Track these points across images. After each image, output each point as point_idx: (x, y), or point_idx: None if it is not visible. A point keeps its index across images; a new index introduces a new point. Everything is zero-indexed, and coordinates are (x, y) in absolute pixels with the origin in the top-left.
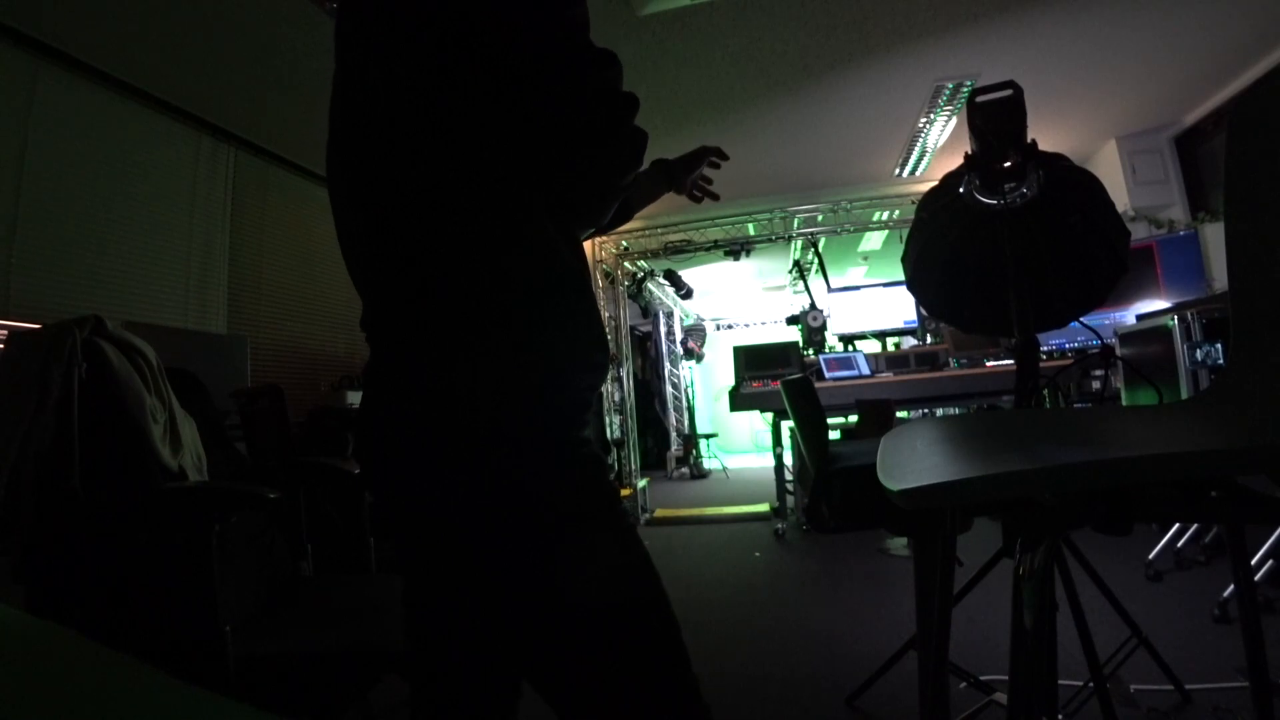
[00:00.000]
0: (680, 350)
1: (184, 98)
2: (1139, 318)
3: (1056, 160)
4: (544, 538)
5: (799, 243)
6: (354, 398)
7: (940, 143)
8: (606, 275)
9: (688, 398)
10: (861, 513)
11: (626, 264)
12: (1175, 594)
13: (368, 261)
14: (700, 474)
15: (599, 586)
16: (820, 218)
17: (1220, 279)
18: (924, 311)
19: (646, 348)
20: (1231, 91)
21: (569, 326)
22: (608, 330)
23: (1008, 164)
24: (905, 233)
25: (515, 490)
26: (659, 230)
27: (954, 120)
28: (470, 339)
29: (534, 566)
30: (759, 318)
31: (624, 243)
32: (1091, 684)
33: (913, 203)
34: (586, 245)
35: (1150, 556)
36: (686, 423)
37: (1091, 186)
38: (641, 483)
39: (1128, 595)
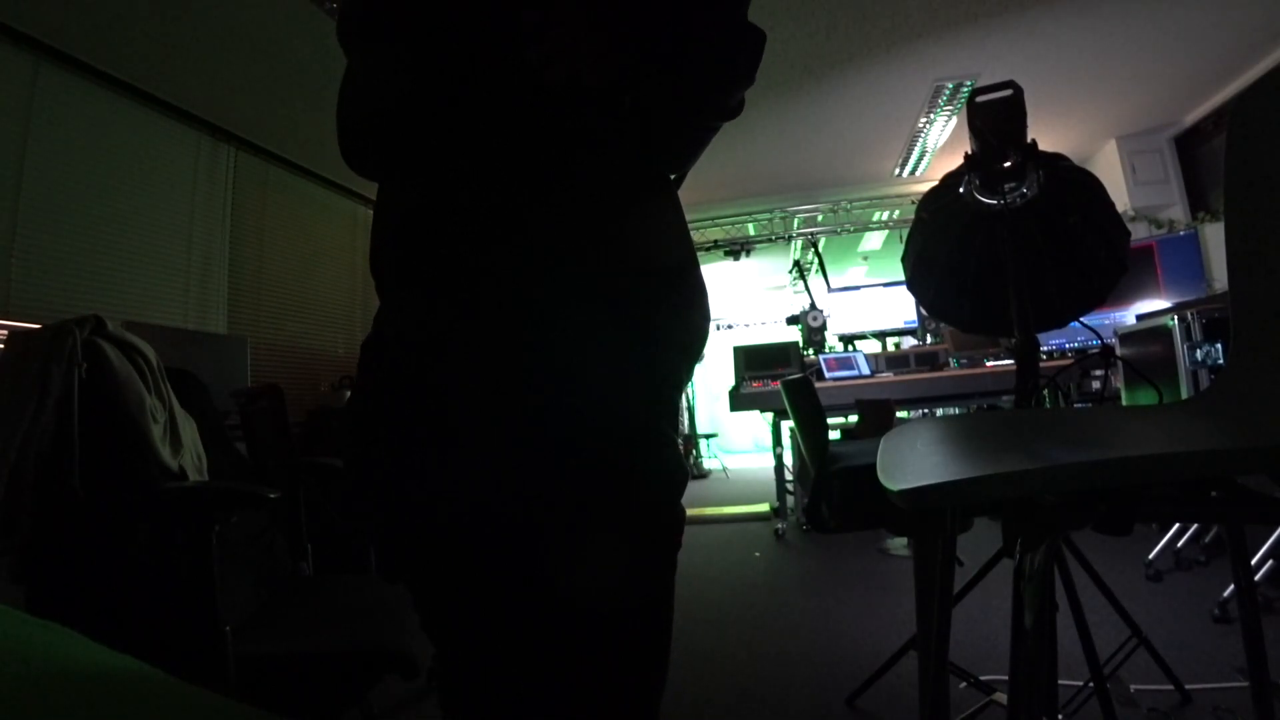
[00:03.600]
0: None
1: (184, 98)
2: (1139, 318)
3: (1056, 160)
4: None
5: (799, 243)
6: None
7: (940, 143)
8: None
9: (688, 398)
10: (861, 513)
11: None
12: (1175, 594)
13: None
14: (700, 474)
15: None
16: (820, 218)
17: (1220, 279)
18: (924, 311)
19: None
20: (1231, 91)
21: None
22: None
23: (1008, 164)
24: (905, 233)
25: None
26: None
27: (954, 120)
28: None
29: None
30: (759, 318)
31: None
32: (1091, 684)
33: (913, 203)
34: None
35: (1150, 556)
36: (686, 423)
37: (1091, 186)
38: None
39: (1128, 595)
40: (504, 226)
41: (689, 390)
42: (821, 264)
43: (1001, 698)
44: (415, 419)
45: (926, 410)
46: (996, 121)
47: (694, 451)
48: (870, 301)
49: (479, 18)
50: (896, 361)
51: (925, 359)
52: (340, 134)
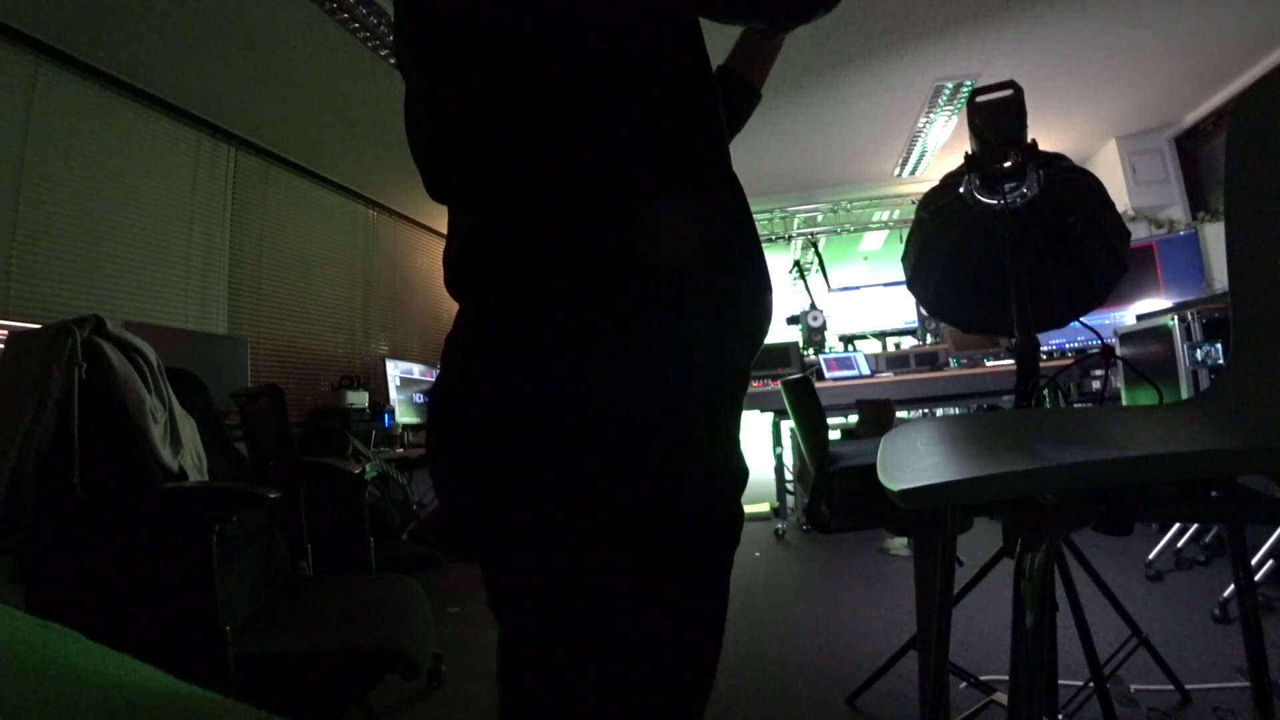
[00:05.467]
0: None
1: (184, 98)
2: (1139, 318)
3: (1056, 160)
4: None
5: (799, 243)
6: (354, 398)
7: (940, 143)
8: None
9: None
10: (861, 513)
11: None
12: (1175, 594)
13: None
14: None
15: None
16: (820, 218)
17: (1220, 279)
18: (924, 311)
19: None
20: (1231, 91)
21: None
22: None
23: (1008, 164)
24: (905, 233)
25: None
26: None
27: (954, 120)
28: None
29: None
30: None
31: None
32: (1091, 684)
33: (913, 203)
34: None
35: (1150, 556)
36: None
37: (1091, 186)
38: None
39: (1128, 595)
40: (562, 233)
41: None
42: (821, 264)
43: (1001, 698)
44: (475, 415)
45: (926, 410)
46: (996, 121)
47: None
48: (870, 301)
49: (530, 30)
50: (896, 361)
51: (925, 359)
52: (416, 163)
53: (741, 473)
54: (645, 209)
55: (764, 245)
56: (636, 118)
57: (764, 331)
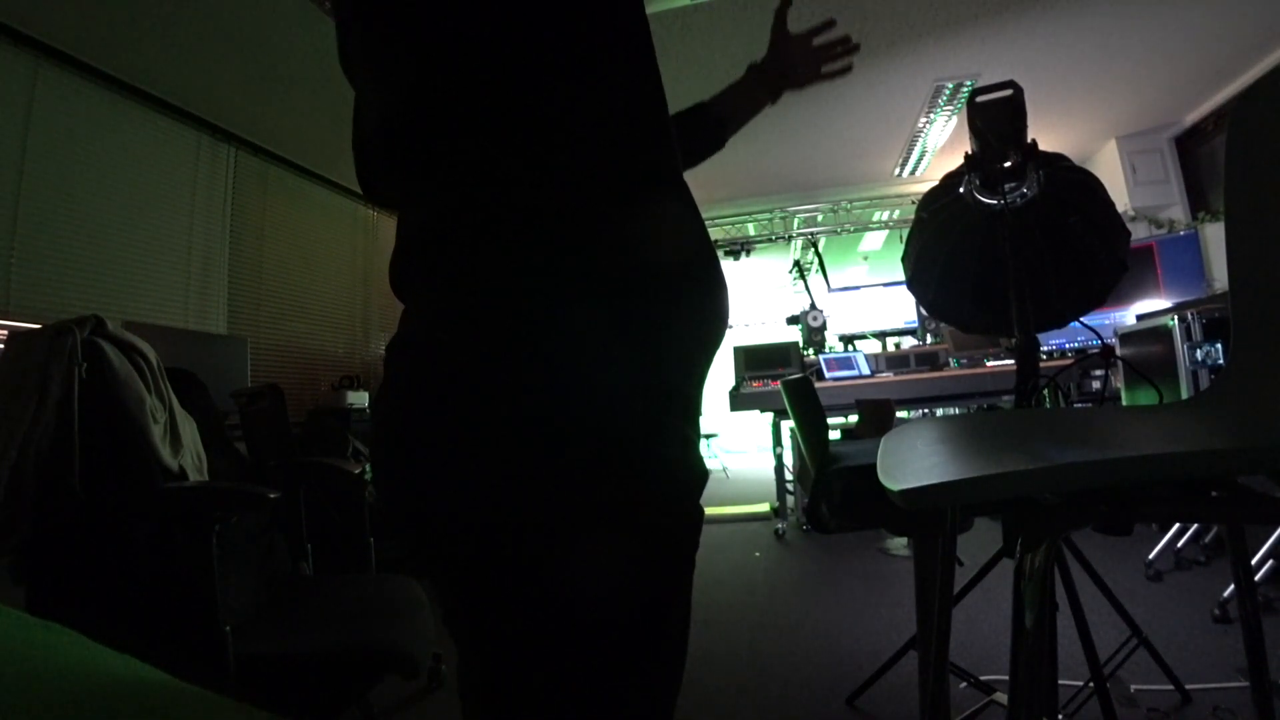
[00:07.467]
0: None
1: (184, 98)
2: (1139, 318)
3: (1056, 160)
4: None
5: (799, 243)
6: (354, 398)
7: (940, 143)
8: None
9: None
10: (861, 513)
11: None
12: (1175, 594)
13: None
14: None
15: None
16: (820, 218)
17: (1220, 279)
18: (924, 311)
19: None
20: (1231, 91)
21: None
22: None
23: (1008, 164)
24: (905, 233)
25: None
26: None
27: (954, 120)
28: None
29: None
30: (759, 318)
31: None
32: (1091, 684)
33: (913, 203)
34: None
35: (1150, 556)
36: None
37: (1091, 186)
38: None
39: (1128, 595)
40: (509, 230)
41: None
42: (821, 264)
43: (1001, 698)
44: (424, 422)
45: (926, 410)
46: (996, 121)
47: None
48: (870, 301)
49: (477, 25)
50: (896, 361)
51: (925, 359)
52: (356, 166)
53: (703, 474)
54: (592, 208)
55: (764, 245)
56: (582, 115)
57: (721, 332)
